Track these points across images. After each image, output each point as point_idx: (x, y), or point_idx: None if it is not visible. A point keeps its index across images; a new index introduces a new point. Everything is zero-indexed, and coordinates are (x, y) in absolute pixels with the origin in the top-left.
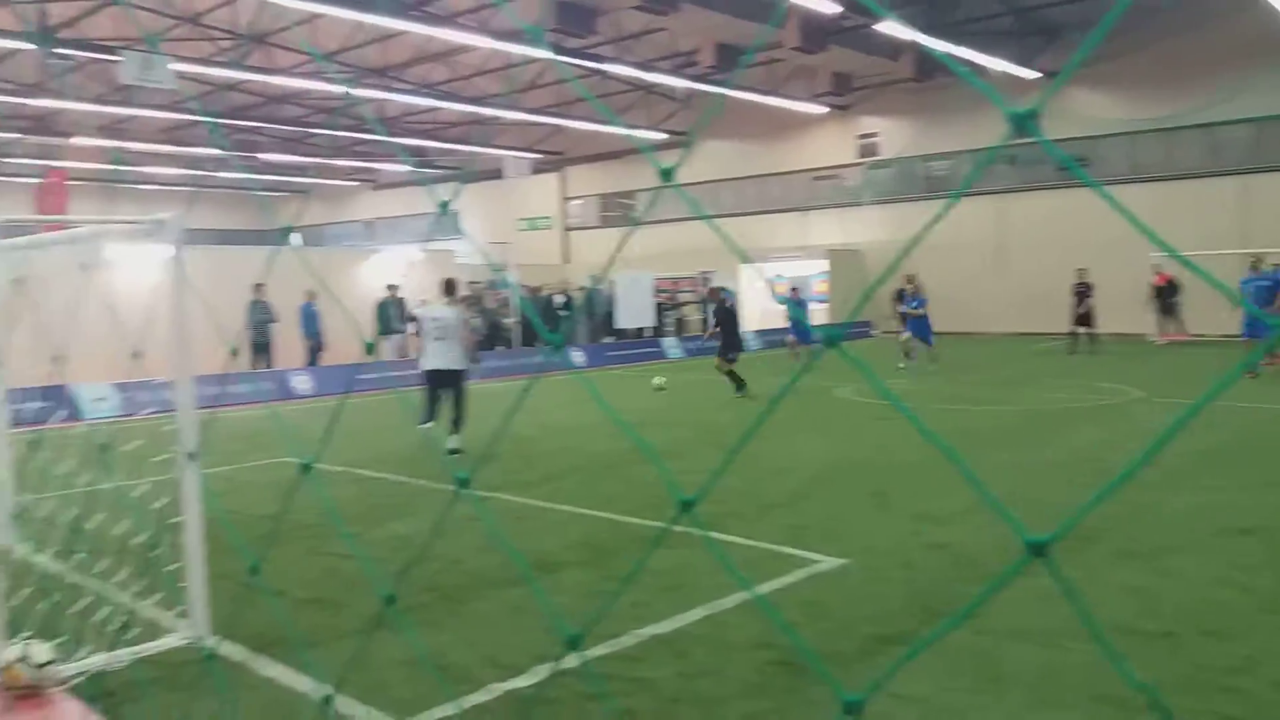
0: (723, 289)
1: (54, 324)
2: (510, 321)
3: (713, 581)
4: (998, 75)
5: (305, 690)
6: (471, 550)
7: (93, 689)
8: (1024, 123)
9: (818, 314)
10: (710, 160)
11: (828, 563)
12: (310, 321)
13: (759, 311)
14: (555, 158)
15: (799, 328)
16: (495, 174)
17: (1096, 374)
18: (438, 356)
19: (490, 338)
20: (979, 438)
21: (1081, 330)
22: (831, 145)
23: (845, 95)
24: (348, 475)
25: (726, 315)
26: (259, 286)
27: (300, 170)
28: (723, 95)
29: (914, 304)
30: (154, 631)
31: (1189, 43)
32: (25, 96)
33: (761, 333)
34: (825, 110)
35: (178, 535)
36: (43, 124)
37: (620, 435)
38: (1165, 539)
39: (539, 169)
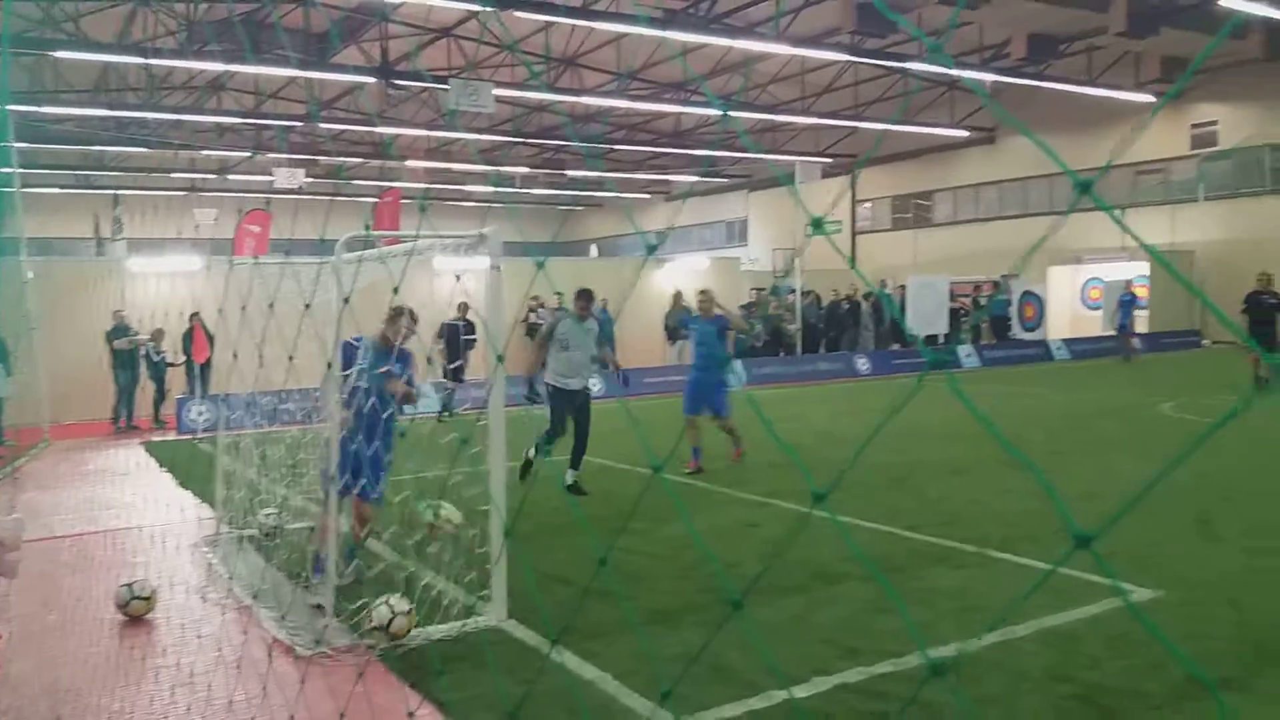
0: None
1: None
2: (793, 328)
3: (1004, 605)
4: None
5: (592, 678)
6: (750, 556)
7: (403, 661)
8: None
9: (1138, 321)
10: (1017, 156)
11: (1139, 594)
12: (602, 326)
13: (1069, 317)
14: (846, 160)
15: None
16: (785, 179)
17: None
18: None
19: (772, 343)
20: None
21: None
22: (1159, 136)
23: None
24: (633, 474)
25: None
26: (558, 295)
27: (599, 185)
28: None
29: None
30: (462, 611)
31: None
32: (368, 125)
33: (1070, 341)
34: (1153, 99)
35: (486, 523)
36: (381, 149)
37: (905, 448)
38: None
39: (828, 172)
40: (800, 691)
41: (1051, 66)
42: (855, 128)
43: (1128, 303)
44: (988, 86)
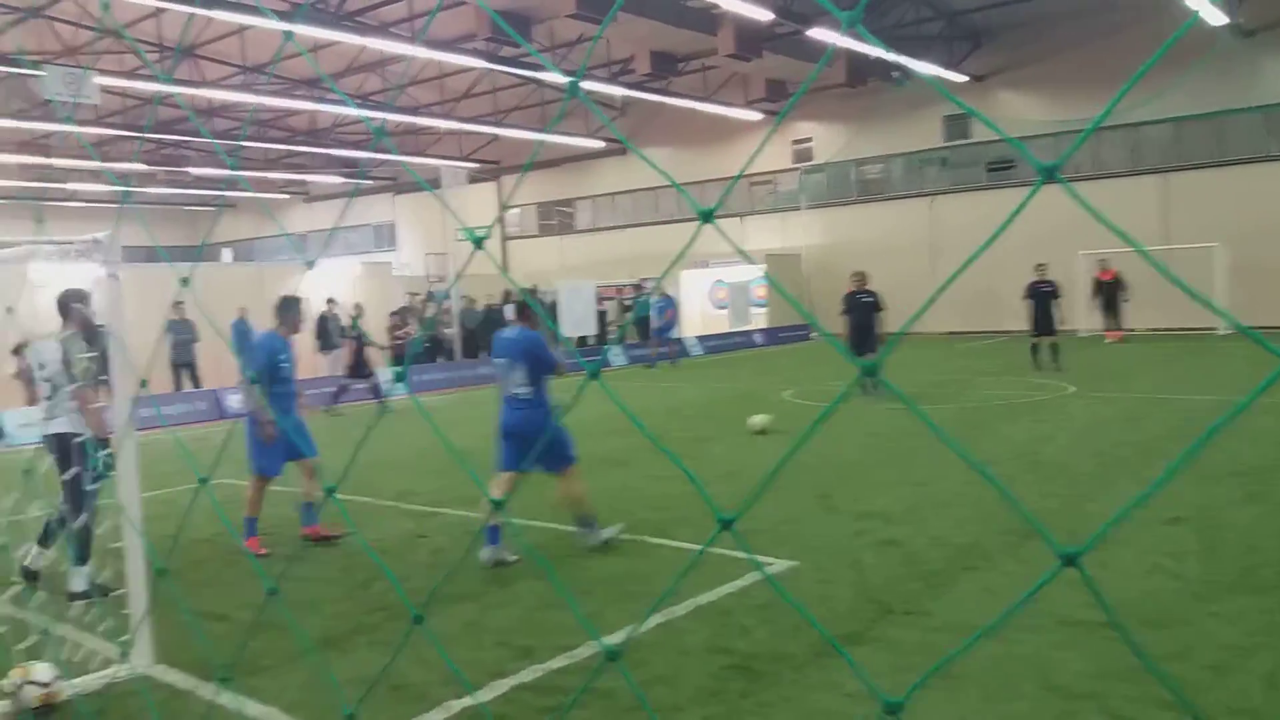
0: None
1: None
2: (450, 332)
3: (664, 588)
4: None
5: (255, 716)
6: (420, 568)
7: None
8: (1052, 174)
9: (758, 318)
10: (648, 167)
11: (779, 565)
12: (242, 338)
13: (700, 316)
14: (491, 167)
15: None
16: (431, 184)
17: (1031, 370)
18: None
19: (430, 350)
20: (921, 437)
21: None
22: (767, 151)
23: (779, 101)
24: (287, 495)
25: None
26: (179, 305)
27: (230, 184)
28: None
29: None
30: (100, 662)
31: (1111, 45)
32: None
33: (703, 338)
34: (760, 116)
35: (119, 563)
36: None
37: None
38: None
39: (475, 178)
40: (480, 697)
41: (673, 83)
42: (496, 135)
43: (663, 307)
44: (617, 100)
